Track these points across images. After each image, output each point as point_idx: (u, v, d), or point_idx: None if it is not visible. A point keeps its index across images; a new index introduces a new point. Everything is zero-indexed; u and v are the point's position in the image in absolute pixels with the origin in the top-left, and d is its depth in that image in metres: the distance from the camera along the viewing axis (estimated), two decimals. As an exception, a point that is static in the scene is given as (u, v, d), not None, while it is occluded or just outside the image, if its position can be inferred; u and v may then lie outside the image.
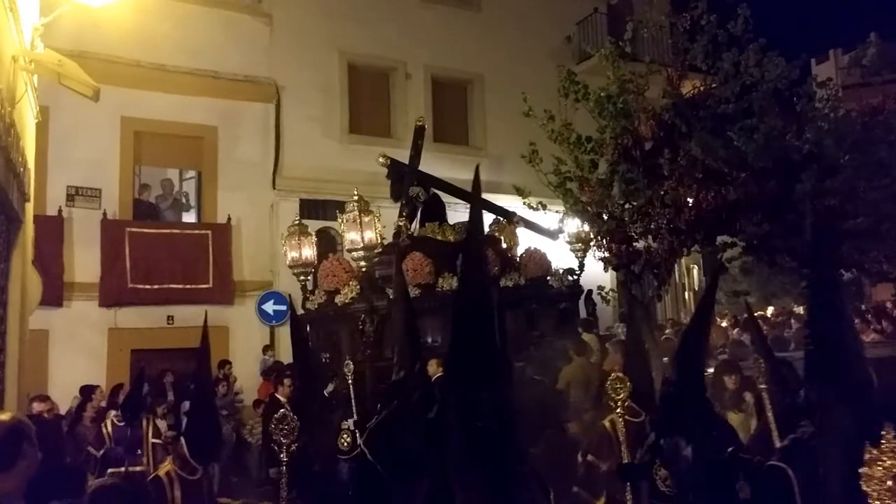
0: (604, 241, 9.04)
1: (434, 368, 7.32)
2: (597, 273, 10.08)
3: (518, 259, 8.40)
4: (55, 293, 10.16)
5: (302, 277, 8.70)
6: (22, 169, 4.78)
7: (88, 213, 11.35)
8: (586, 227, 9.57)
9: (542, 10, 16.02)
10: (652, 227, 8.62)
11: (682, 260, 13.47)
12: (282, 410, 4.58)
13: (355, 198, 7.81)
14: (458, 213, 10.02)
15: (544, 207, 8.86)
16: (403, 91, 14.84)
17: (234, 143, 12.80)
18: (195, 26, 12.29)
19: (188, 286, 11.70)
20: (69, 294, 10.97)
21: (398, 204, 9.62)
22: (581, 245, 8.11)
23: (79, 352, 10.66)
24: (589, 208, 9.07)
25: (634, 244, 8.99)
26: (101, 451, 8.19)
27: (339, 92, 14.01)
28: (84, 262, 11.19)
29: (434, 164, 14.67)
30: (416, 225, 9.02)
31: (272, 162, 13.08)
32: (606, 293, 9.50)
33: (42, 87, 5.79)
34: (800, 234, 8.24)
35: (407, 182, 9.18)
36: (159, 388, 10.16)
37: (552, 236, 9.84)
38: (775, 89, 8.15)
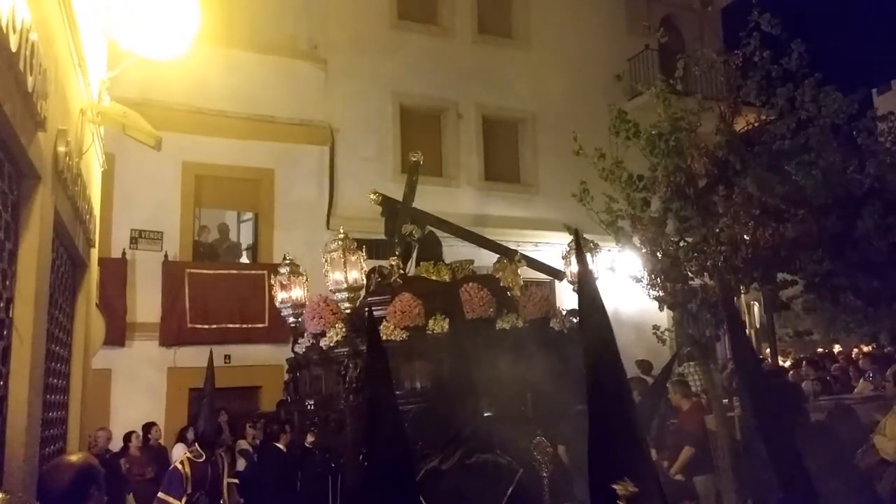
0: (658, 279, 8.89)
1: None
2: (652, 311, 9.92)
3: (516, 300, 7.96)
4: (118, 333, 10.46)
5: (291, 319, 8.20)
6: (88, 216, 4.97)
7: (150, 255, 11.72)
8: (639, 265, 9.45)
9: (593, 48, 16.08)
10: (708, 264, 8.45)
11: (743, 297, 13.14)
12: None
13: (341, 235, 7.43)
14: (454, 249, 9.80)
15: (596, 247, 8.78)
16: (455, 130, 15.02)
17: (290, 185, 13.10)
18: (253, 73, 12.69)
19: (245, 326, 11.92)
20: (131, 334, 11.29)
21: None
22: None
23: (139, 390, 10.92)
24: (642, 247, 8.95)
25: (690, 282, 8.82)
26: (184, 501, 6.85)
27: (391, 133, 14.26)
28: (146, 302, 11.52)
29: (485, 201, 14.80)
30: (411, 264, 8.62)
31: (327, 202, 13.33)
32: (662, 332, 9.35)
33: (108, 136, 6.03)
34: (863, 271, 7.99)
35: (400, 219, 8.85)
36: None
37: (556, 275, 9.50)
38: (833, 124, 7.97)
